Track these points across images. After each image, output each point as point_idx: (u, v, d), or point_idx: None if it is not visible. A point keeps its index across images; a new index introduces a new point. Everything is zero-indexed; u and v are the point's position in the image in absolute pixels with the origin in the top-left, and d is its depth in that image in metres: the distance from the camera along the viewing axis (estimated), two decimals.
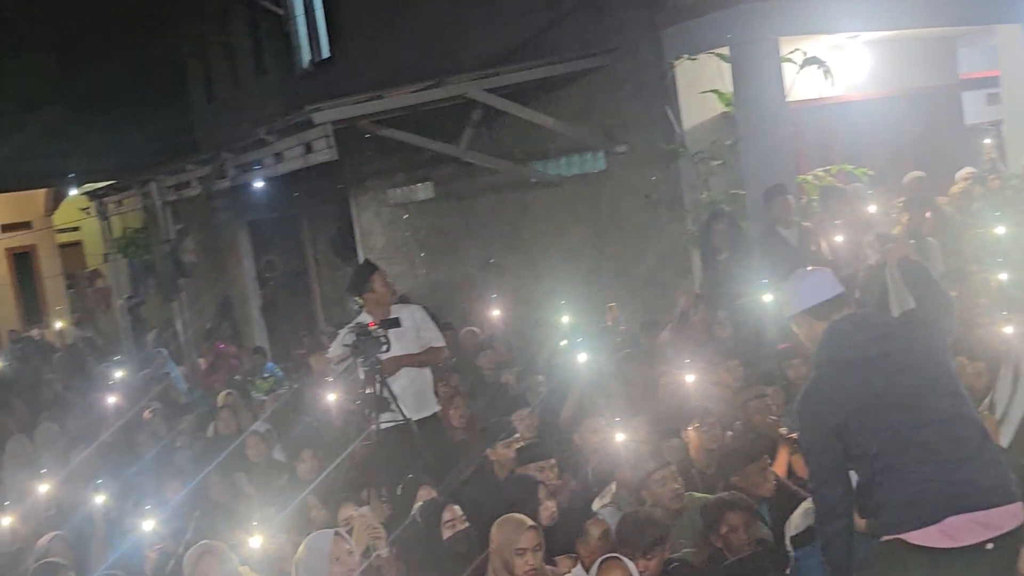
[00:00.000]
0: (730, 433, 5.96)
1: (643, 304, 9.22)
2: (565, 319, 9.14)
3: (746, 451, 5.31)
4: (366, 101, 8.96)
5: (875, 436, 3.57)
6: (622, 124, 9.45)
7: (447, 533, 4.82)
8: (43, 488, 6.88)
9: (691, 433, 5.74)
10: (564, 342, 8.34)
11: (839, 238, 7.84)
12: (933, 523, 3.42)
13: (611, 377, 7.24)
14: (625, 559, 4.10)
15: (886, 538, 3.54)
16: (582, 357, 6.98)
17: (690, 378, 6.39)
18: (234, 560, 4.66)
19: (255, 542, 5.10)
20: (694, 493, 5.22)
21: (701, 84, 8.82)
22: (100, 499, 6.43)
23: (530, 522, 4.47)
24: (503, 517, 4.59)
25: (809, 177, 8.87)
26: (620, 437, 5.56)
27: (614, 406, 6.53)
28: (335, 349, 6.70)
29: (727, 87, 8.69)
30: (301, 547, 4.60)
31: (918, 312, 3.94)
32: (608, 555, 4.13)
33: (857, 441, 3.61)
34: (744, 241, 8.22)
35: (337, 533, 4.60)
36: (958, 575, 3.42)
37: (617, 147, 9.48)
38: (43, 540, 5.84)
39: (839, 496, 3.67)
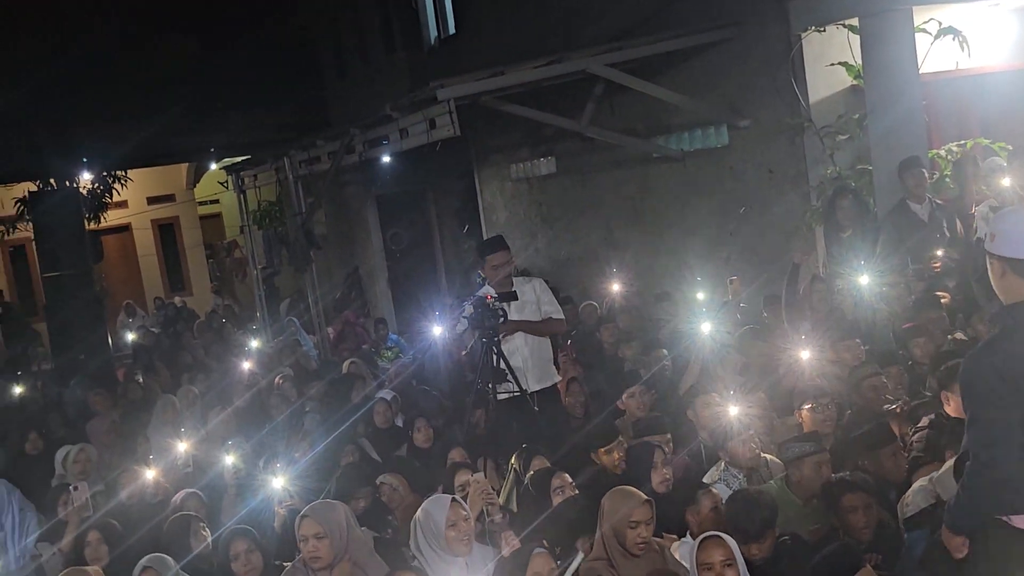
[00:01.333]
0: (848, 412, 5.88)
1: (765, 280, 9.11)
2: (686, 294, 9.12)
3: (877, 435, 5.21)
4: (488, 77, 9.08)
5: None
6: (746, 98, 9.31)
7: (556, 499, 4.93)
8: (183, 446, 7.30)
9: (804, 413, 5.69)
10: (685, 317, 8.34)
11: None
12: None
13: (731, 353, 7.23)
14: (727, 538, 4.11)
15: (997, 516, 3.47)
16: (703, 330, 6.94)
17: (806, 355, 6.31)
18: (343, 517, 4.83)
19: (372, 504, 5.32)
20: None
21: (828, 56, 8.61)
22: (232, 458, 6.81)
23: (644, 496, 4.54)
24: (616, 488, 4.67)
25: (942, 152, 8.57)
26: (734, 411, 5.55)
27: (733, 382, 6.52)
28: (459, 324, 6.86)
29: (856, 59, 8.46)
30: (419, 510, 4.78)
31: None
32: (710, 533, 4.16)
33: None
34: (869, 218, 8.03)
35: (454, 499, 4.76)
36: None
37: (741, 121, 9.36)
38: (178, 496, 6.22)
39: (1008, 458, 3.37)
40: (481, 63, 11.11)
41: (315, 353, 12.89)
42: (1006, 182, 7.99)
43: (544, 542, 4.52)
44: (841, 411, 5.87)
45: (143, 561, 4.87)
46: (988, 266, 3.61)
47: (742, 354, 7.25)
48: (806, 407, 5.69)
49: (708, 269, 9.85)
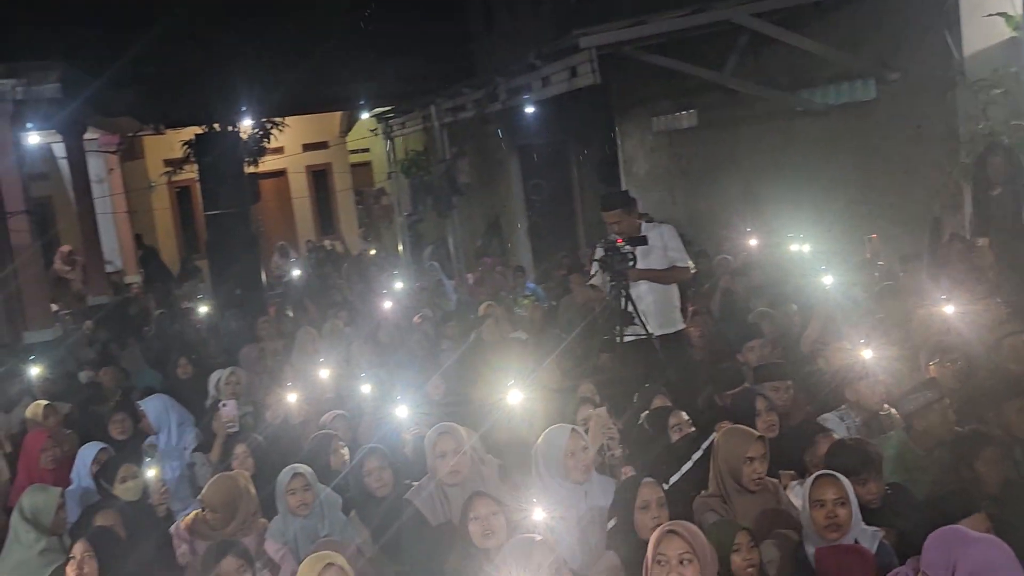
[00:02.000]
0: (982, 372, 5.78)
1: (908, 239, 8.90)
2: (823, 250, 9.00)
3: (1004, 389, 5.14)
4: (630, 26, 9.11)
5: None
6: (896, 50, 9.04)
7: (674, 436, 5.07)
8: (325, 373, 7.74)
9: (932, 368, 5.62)
10: (816, 271, 8.25)
11: None
12: None
13: (866, 310, 7.14)
14: (841, 476, 4.16)
15: None
16: (825, 283, 6.88)
17: (941, 312, 6.20)
18: (468, 442, 5.10)
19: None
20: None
21: (987, 6, 8.26)
22: (369, 387, 7.20)
23: (757, 433, 4.62)
24: (731, 427, 4.78)
25: None
26: (868, 354, 5.54)
27: (864, 336, 6.45)
28: (594, 269, 7.00)
29: (1016, 9, 8.10)
30: (540, 438, 5.00)
31: None
32: (824, 471, 4.22)
33: None
34: (1021, 176, 7.74)
35: (574, 430, 4.96)
36: None
37: (889, 75, 9.10)
38: (327, 416, 6.66)
39: None
40: (625, 13, 11.11)
41: (454, 296, 13.31)
42: None
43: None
44: (973, 369, 5.77)
45: (291, 467, 5.24)
46: None
47: (878, 311, 7.16)
48: (934, 362, 5.62)
49: (848, 226, 9.67)
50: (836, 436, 5.03)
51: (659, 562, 3.38)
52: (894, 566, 3.89)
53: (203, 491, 5.28)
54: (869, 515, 4.27)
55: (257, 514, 5.32)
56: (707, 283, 9.63)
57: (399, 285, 13.02)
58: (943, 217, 7.81)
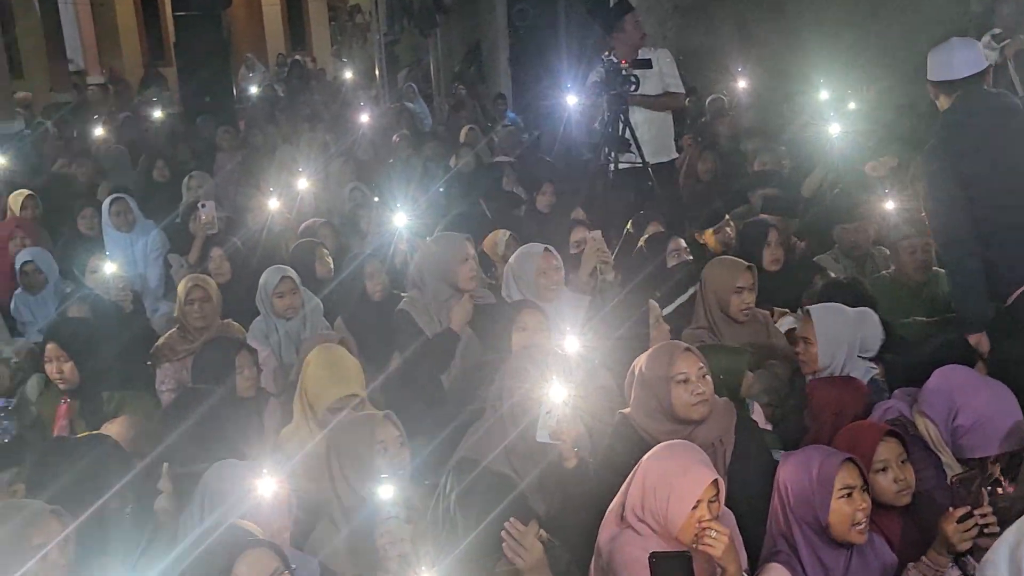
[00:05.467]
0: None
1: (904, 90, 8.71)
2: (818, 96, 8.80)
3: None
4: None
5: None
6: None
7: (672, 261, 5.00)
8: (304, 183, 7.52)
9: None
10: (811, 119, 8.09)
11: None
12: None
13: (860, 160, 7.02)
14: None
15: None
16: (834, 130, 6.72)
17: None
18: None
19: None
20: None
21: None
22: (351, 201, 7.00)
23: (746, 263, 4.53)
24: (720, 258, 4.72)
25: None
26: (891, 206, 5.47)
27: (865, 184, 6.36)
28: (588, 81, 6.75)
29: None
30: (512, 258, 4.89)
31: None
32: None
33: None
34: None
35: (547, 248, 4.78)
36: None
37: None
38: (311, 222, 6.52)
39: None
40: None
41: (428, 120, 12.99)
42: None
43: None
44: None
45: (278, 268, 5.12)
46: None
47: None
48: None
49: (845, 73, 9.44)
50: (833, 275, 5.01)
51: (682, 381, 3.33)
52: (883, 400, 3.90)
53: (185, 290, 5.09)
54: None
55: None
56: (703, 118, 9.44)
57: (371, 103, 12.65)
58: None
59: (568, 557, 3.06)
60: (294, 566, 2.66)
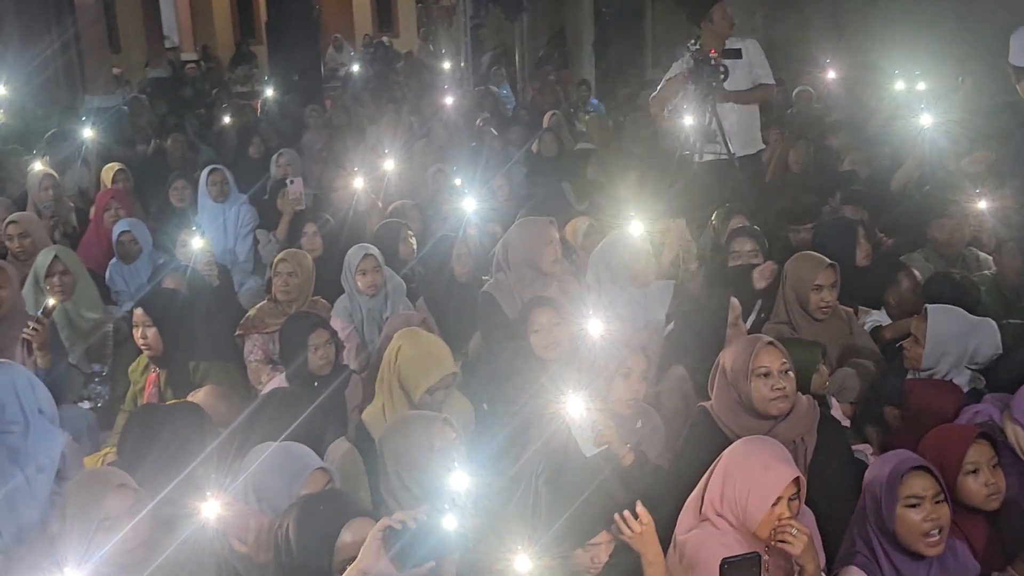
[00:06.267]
0: None
1: (1002, 85, 8.45)
2: (912, 86, 8.59)
3: None
4: None
5: None
6: None
7: (732, 262, 4.96)
8: (389, 164, 7.60)
9: None
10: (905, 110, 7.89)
11: None
12: None
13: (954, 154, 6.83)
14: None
15: None
16: (926, 121, 6.54)
17: None
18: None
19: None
20: None
21: None
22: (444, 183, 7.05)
23: (828, 261, 4.47)
24: (801, 253, 4.65)
25: None
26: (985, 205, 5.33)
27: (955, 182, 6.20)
28: (672, 72, 6.67)
29: None
30: (599, 247, 4.84)
31: None
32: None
33: None
34: None
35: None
36: None
37: None
38: (399, 203, 6.61)
39: None
40: None
41: (513, 104, 13.00)
42: None
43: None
44: None
45: (362, 246, 5.21)
46: None
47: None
48: None
49: (939, 66, 9.20)
50: (917, 273, 4.89)
51: (763, 375, 3.31)
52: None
53: (275, 262, 5.21)
54: None
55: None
56: (790, 109, 9.28)
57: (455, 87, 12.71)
58: None
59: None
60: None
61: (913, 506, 2.81)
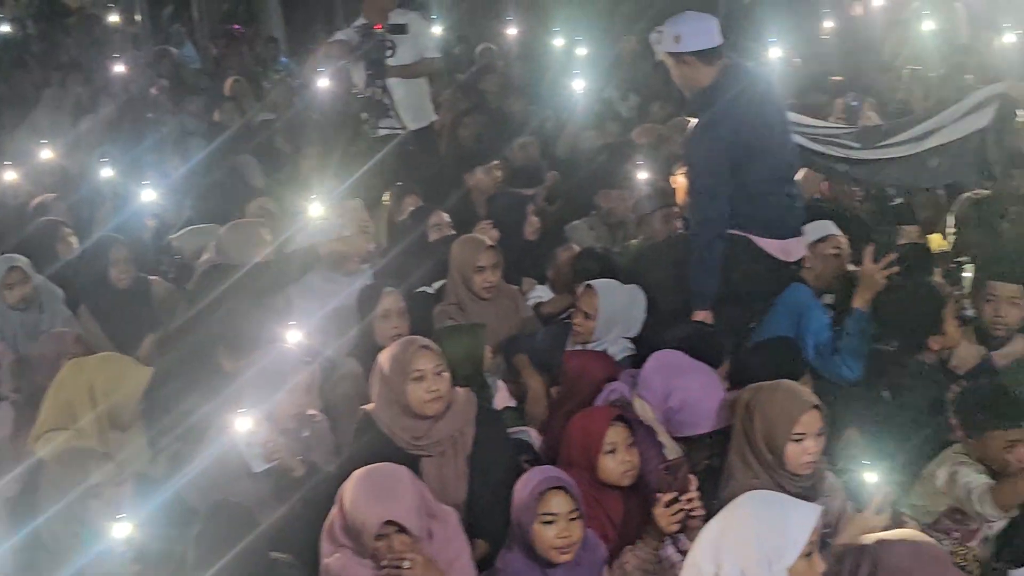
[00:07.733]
0: None
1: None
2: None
3: None
4: None
5: None
6: None
7: (433, 235, 5.04)
8: (47, 152, 7.01)
9: None
10: None
11: None
12: None
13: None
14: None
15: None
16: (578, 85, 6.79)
17: None
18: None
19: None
20: None
21: None
22: (107, 171, 6.58)
23: (489, 241, 4.64)
24: (463, 236, 4.79)
25: None
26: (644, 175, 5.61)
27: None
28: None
29: None
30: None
31: None
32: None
33: None
34: None
35: None
36: None
37: None
38: (40, 198, 6.09)
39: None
40: None
41: (196, 66, 12.37)
42: None
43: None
44: None
45: (6, 258, 4.85)
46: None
47: None
48: None
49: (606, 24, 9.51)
50: (575, 246, 5.12)
51: (418, 378, 3.39)
52: None
53: None
54: None
55: None
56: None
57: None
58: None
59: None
60: None
61: (549, 523, 2.96)
